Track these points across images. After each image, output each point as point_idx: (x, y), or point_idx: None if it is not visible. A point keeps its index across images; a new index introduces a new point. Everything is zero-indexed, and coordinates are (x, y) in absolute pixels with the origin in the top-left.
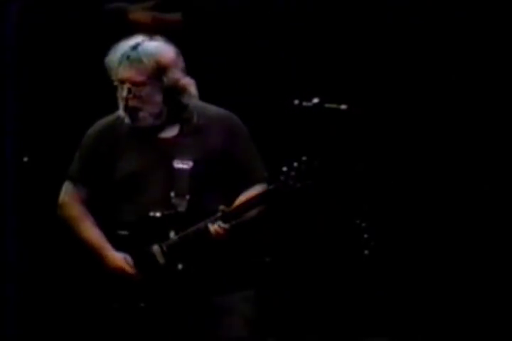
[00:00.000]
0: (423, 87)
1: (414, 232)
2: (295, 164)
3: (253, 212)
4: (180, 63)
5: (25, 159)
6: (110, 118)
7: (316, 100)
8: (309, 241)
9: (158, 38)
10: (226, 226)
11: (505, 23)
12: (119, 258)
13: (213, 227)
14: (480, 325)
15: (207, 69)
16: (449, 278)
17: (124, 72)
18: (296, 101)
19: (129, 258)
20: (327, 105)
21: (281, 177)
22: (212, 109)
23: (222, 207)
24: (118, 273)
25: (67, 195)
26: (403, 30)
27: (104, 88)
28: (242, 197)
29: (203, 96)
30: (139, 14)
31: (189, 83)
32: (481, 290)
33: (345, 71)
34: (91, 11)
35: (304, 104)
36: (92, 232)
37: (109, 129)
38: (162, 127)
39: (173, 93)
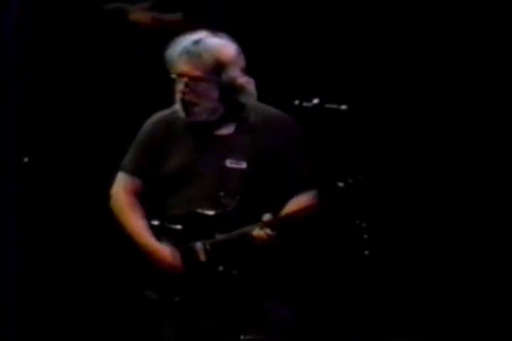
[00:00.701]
0: (423, 87)
1: (415, 232)
2: (350, 181)
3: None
4: (241, 62)
5: (26, 159)
6: (167, 111)
7: (316, 100)
8: (309, 241)
9: (222, 34)
10: (272, 233)
11: (504, 23)
12: (167, 253)
13: (256, 233)
14: (482, 323)
15: None
16: (449, 278)
17: (183, 66)
18: (297, 102)
19: (177, 253)
20: (327, 105)
21: (335, 192)
22: (270, 110)
23: (266, 217)
24: (162, 266)
25: (120, 186)
26: (403, 30)
27: (104, 88)
28: (293, 204)
29: None
30: (138, 14)
31: (248, 82)
32: (481, 289)
33: (345, 71)
34: (91, 11)
35: (304, 104)
36: (137, 223)
37: (165, 123)
38: (218, 124)
39: (231, 91)
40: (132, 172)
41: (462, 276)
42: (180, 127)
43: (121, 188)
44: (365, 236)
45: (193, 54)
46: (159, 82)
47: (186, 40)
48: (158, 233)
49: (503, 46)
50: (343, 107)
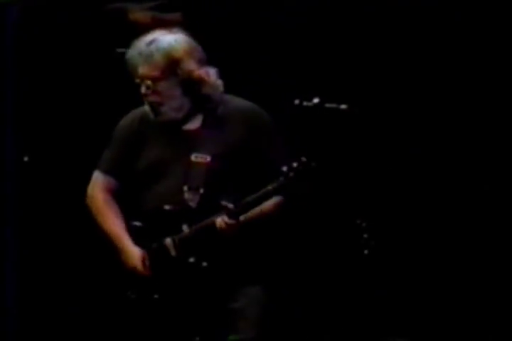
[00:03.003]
0: (423, 87)
1: (415, 232)
2: (294, 164)
3: (265, 209)
4: (196, 54)
5: (26, 159)
6: (141, 109)
7: (316, 100)
8: (309, 241)
9: (177, 30)
10: (232, 222)
11: (504, 23)
12: (135, 256)
13: (219, 223)
14: (481, 322)
15: None
16: (449, 278)
17: (140, 69)
18: (297, 101)
19: (146, 257)
20: (327, 105)
21: (281, 178)
22: (237, 101)
23: (224, 203)
24: (130, 268)
25: (96, 185)
26: (403, 30)
27: (103, 87)
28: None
29: None
30: (138, 14)
31: (207, 73)
32: (481, 288)
33: (345, 71)
34: (91, 12)
35: (305, 103)
36: (112, 223)
37: (138, 121)
38: (186, 119)
39: (191, 84)
40: (106, 170)
41: (462, 276)
42: (150, 124)
43: (96, 187)
44: (365, 235)
45: (146, 55)
46: None
47: (140, 43)
48: (132, 231)
49: (503, 46)
50: (343, 107)
